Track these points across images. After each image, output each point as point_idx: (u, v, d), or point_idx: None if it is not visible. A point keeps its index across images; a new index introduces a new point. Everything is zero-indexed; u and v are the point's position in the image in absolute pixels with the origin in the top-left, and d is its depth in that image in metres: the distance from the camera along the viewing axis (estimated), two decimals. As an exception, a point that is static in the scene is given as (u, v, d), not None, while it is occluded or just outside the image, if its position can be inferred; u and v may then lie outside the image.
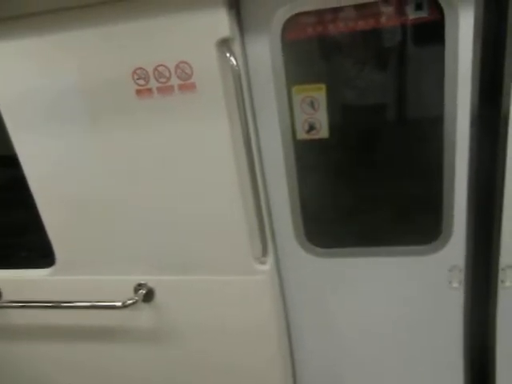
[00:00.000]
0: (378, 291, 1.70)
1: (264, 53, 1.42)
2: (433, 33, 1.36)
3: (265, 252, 1.58)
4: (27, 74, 1.44)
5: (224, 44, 1.32)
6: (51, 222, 1.68)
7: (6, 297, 1.85)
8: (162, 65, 1.35)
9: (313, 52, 1.48)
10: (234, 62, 1.32)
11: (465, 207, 1.49)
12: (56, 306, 1.74)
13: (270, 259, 1.62)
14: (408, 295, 1.68)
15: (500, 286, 1.56)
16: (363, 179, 1.62)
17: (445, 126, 1.40)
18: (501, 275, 1.54)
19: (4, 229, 2.01)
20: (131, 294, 1.70)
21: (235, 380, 1.83)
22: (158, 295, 1.71)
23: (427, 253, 1.58)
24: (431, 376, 1.81)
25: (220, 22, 1.28)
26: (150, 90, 1.39)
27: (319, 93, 1.46)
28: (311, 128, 1.51)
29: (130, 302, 1.64)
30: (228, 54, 1.32)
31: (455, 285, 1.61)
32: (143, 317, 1.76)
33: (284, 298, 1.77)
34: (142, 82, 1.38)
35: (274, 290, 1.66)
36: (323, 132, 1.51)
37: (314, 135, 1.52)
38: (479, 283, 1.61)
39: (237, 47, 1.35)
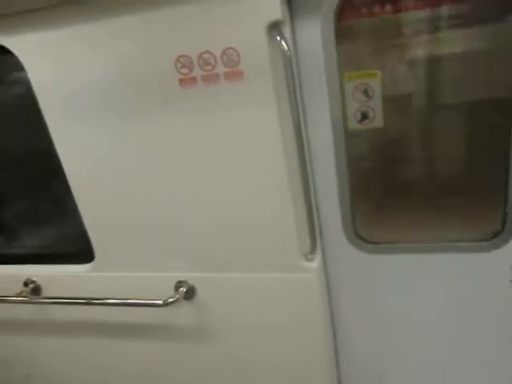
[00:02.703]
0: (433, 290, 1.60)
1: (315, 37, 1.32)
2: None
3: (313, 249, 1.50)
4: (68, 63, 1.38)
5: (274, 28, 1.22)
6: (90, 217, 1.63)
7: (46, 293, 1.83)
8: (207, 51, 1.26)
9: (368, 36, 1.37)
10: (285, 47, 1.23)
11: None
12: (96, 302, 1.70)
13: (318, 256, 1.54)
14: (465, 294, 1.58)
15: None
16: (418, 170, 1.52)
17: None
18: None
19: (43, 224, 1.99)
20: (171, 291, 1.64)
21: (278, 379, 1.77)
22: (200, 293, 1.65)
23: (488, 249, 1.48)
24: (489, 376, 1.71)
25: (271, 4, 1.19)
26: (193, 78, 1.31)
27: (374, 79, 1.36)
28: (364, 117, 1.42)
29: (172, 299, 1.58)
30: (279, 38, 1.23)
31: None
32: (184, 315, 1.71)
33: (331, 296, 1.69)
34: (185, 70, 1.30)
35: (321, 287, 1.58)
36: (377, 121, 1.41)
37: (367, 124, 1.42)
38: None
39: (287, 30, 1.25)
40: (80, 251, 1.73)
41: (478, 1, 1.25)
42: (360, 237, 1.57)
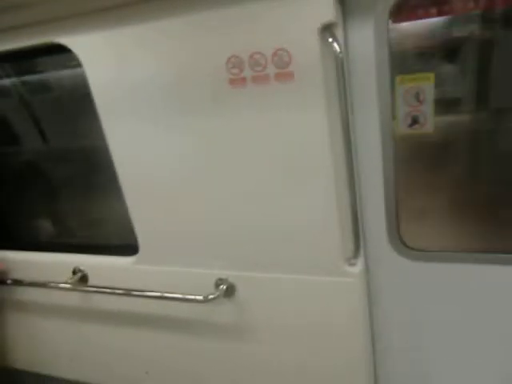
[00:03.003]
0: (479, 302, 1.54)
1: (367, 39, 1.30)
2: None
3: (356, 253, 1.48)
4: (121, 61, 1.43)
5: (327, 29, 1.22)
6: (137, 212, 1.68)
7: (92, 281, 1.90)
8: (258, 52, 1.27)
9: (423, 38, 1.34)
10: (338, 49, 1.22)
11: None
12: (138, 294, 1.75)
13: (361, 261, 1.52)
14: (507, 307, 1.51)
15: None
16: (468, 177, 1.47)
17: None
18: None
19: (93, 215, 2.07)
20: (211, 287, 1.67)
21: (313, 382, 1.76)
22: (240, 291, 1.67)
23: None
24: None
25: (324, 5, 1.18)
26: (243, 79, 1.32)
27: (427, 83, 1.33)
28: (414, 121, 1.38)
29: (212, 296, 1.61)
30: (331, 40, 1.22)
31: None
32: (223, 312, 1.73)
33: (372, 302, 1.67)
34: (235, 70, 1.32)
35: (363, 292, 1.56)
36: (428, 126, 1.38)
37: (417, 130, 1.39)
38: None
39: (340, 32, 1.24)
40: (126, 244, 1.79)
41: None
42: (404, 243, 1.54)
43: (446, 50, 1.33)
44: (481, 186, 1.47)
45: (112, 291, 1.80)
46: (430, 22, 1.30)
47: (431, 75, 1.32)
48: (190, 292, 1.65)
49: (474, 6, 1.23)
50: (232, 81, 1.33)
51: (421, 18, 1.28)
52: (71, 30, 1.44)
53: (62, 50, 1.47)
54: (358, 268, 1.50)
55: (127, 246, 1.78)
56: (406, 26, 1.32)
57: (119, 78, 1.46)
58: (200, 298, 1.61)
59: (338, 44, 1.22)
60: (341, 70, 1.23)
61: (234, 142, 1.42)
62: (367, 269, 1.62)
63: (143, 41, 1.38)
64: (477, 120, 1.41)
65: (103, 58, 1.45)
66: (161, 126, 1.48)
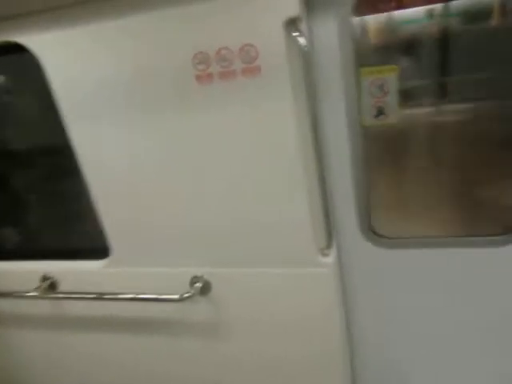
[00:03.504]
0: (450, 285, 1.60)
1: (332, 32, 1.33)
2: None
3: (329, 243, 1.50)
4: (82, 60, 1.39)
5: (292, 24, 1.23)
6: (107, 213, 1.65)
7: (62, 288, 1.85)
8: (225, 47, 1.27)
9: (386, 31, 1.37)
10: (303, 42, 1.23)
11: None
12: (112, 298, 1.72)
13: (334, 251, 1.55)
14: (482, 289, 1.58)
15: None
16: (433, 165, 1.52)
17: None
18: None
19: (59, 219, 2.01)
20: (186, 286, 1.66)
21: (293, 374, 1.78)
22: (215, 288, 1.66)
23: (501, 244, 1.48)
24: (505, 369, 1.71)
25: (289, 0, 1.19)
26: (210, 75, 1.31)
27: (391, 74, 1.36)
28: (380, 112, 1.42)
29: (187, 295, 1.59)
30: (296, 34, 1.23)
31: None
32: (200, 310, 1.72)
33: (346, 291, 1.70)
34: (202, 66, 1.31)
35: (337, 282, 1.59)
36: (393, 117, 1.41)
37: (383, 120, 1.42)
38: None
39: (304, 26, 1.26)
40: (96, 247, 1.75)
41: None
42: (375, 231, 1.58)
43: (408, 43, 1.37)
44: (445, 173, 1.52)
45: (82, 296, 1.75)
46: (392, 16, 1.34)
47: (395, 67, 1.35)
48: (165, 292, 1.63)
49: (431, 0, 1.27)
50: (198, 77, 1.32)
51: (382, 12, 1.31)
52: (28, 28, 1.39)
53: (19, 49, 1.42)
54: (331, 258, 1.53)
55: (98, 249, 1.74)
56: (369, 19, 1.35)
57: (81, 77, 1.42)
58: (175, 297, 1.59)
59: (303, 38, 1.23)
60: (307, 63, 1.25)
61: (203, 138, 1.41)
62: (341, 258, 1.65)
63: (104, 39, 1.35)
64: (439, 111, 1.47)
65: (63, 57, 1.41)
66: (127, 124, 1.45)
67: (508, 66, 1.33)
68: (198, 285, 1.64)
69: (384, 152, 1.53)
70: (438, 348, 1.74)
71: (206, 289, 1.66)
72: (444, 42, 1.35)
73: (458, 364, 1.75)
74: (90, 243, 1.82)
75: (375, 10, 1.32)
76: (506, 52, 1.32)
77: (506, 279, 1.54)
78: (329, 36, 1.34)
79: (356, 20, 1.31)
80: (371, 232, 1.58)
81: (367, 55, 1.38)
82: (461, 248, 1.54)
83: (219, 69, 1.30)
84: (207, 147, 1.42)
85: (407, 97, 1.41)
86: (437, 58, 1.37)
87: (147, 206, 1.58)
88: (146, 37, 1.31)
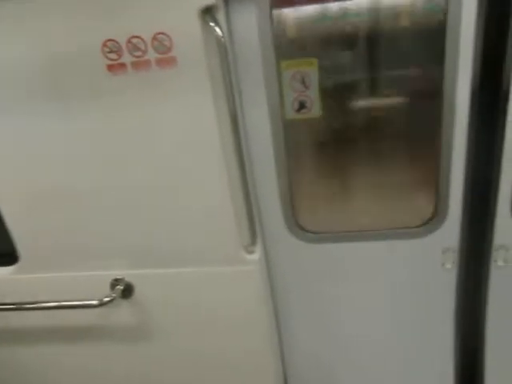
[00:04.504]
0: (371, 276, 1.64)
1: (251, 24, 1.28)
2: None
3: (253, 240, 1.47)
4: None
5: (208, 13, 1.17)
6: (12, 213, 1.50)
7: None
8: (136, 36, 1.19)
9: (304, 23, 1.35)
10: (220, 33, 1.18)
11: (461, 188, 1.44)
12: (24, 307, 1.58)
13: (259, 248, 1.52)
14: (401, 279, 1.63)
15: (493, 265, 1.53)
16: (355, 160, 1.53)
17: (444, 103, 1.32)
18: (494, 255, 1.52)
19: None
20: (107, 290, 1.56)
21: (224, 372, 1.75)
22: (138, 290, 1.58)
23: (422, 235, 1.53)
24: (422, 357, 1.79)
25: None
26: (123, 64, 1.23)
27: (311, 68, 1.35)
28: (301, 106, 1.40)
29: (108, 299, 1.50)
30: (212, 24, 1.17)
31: (448, 266, 1.57)
32: (122, 314, 1.63)
33: (274, 287, 1.69)
34: (113, 55, 1.22)
35: (264, 279, 1.57)
36: (315, 111, 1.40)
37: (305, 114, 1.41)
38: (472, 263, 1.58)
39: (221, 16, 1.20)
40: (2, 252, 1.60)
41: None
42: (301, 227, 1.57)
43: (328, 37, 1.36)
44: (367, 168, 1.54)
45: None
46: (311, 8, 1.32)
47: (314, 60, 1.34)
48: (84, 297, 1.53)
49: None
50: (110, 67, 1.23)
51: (301, 4, 1.29)
52: None
53: None
54: (256, 255, 1.50)
55: (3, 255, 1.59)
56: (288, 11, 1.32)
57: None
58: (94, 302, 1.50)
59: (220, 28, 1.18)
60: (224, 55, 1.20)
61: (117, 132, 1.32)
62: (267, 255, 1.63)
63: (9, 20, 1.21)
64: (362, 105, 1.48)
65: None
66: (32, 117, 1.32)
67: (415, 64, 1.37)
68: (120, 287, 1.55)
69: (308, 146, 1.52)
70: (365, 337, 1.79)
71: (128, 291, 1.57)
72: (360, 38, 1.35)
73: (385, 352, 1.81)
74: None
75: (294, 2, 1.29)
76: (413, 51, 1.35)
77: (426, 269, 1.60)
78: (248, 28, 1.29)
79: (276, 12, 1.28)
80: (297, 227, 1.57)
81: (288, 48, 1.35)
82: (383, 240, 1.57)
83: (132, 58, 1.22)
84: (122, 141, 1.33)
85: (330, 91, 1.41)
86: (354, 54, 1.38)
87: (58, 207, 1.46)
88: (54, 20, 1.20)
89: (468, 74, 1.28)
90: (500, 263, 1.53)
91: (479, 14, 1.22)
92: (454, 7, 1.21)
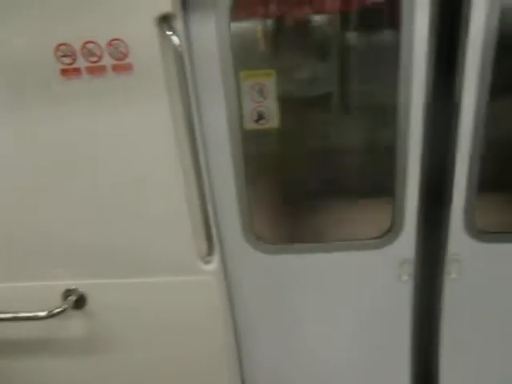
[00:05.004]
0: (329, 287, 1.64)
1: (209, 33, 1.29)
2: (386, 18, 1.31)
3: (210, 250, 1.46)
4: None
5: (165, 21, 1.17)
6: None
7: None
8: (91, 41, 1.17)
9: (262, 33, 1.37)
10: (177, 41, 1.17)
11: (416, 200, 1.47)
12: None
13: (216, 258, 1.51)
14: (359, 291, 1.64)
15: (446, 277, 1.57)
16: (314, 171, 1.55)
17: (398, 115, 1.35)
18: (447, 267, 1.55)
19: None
20: (59, 301, 1.51)
21: (180, 382, 1.71)
22: (91, 301, 1.53)
23: (378, 246, 1.55)
24: (379, 368, 1.80)
25: None
26: (77, 69, 1.21)
27: (269, 79, 1.36)
28: (260, 117, 1.41)
29: (58, 310, 1.45)
30: (170, 32, 1.17)
31: (405, 278, 1.59)
32: (74, 325, 1.58)
33: (232, 297, 1.67)
34: (67, 60, 1.19)
35: (221, 290, 1.55)
36: (273, 121, 1.41)
37: (264, 125, 1.42)
38: (427, 276, 1.61)
39: (179, 25, 1.20)
40: None
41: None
42: (259, 237, 1.57)
43: (285, 48, 1.38)
44: (326, 179, 1.56)
45: None
46: (269, 21, 1.34)
47: (272, 71, 1.35)
48: (34, 308, 1.47)
49: (308, 9, 1.29)
50: (64, 71, 1.21)
51: (260, 16, 1.30)
52: None
53: None
54: (213, 265, 1.49)
55: None
56: (247, 23, 1.33)
57: None
58: (43, 313, 1.44)
59: (178, 37, 1.18)
60: (181, 64, 1.20)
61: (71, 137, 1.29)
62: (225, 265, 1.61)
63: None
64: (319, 117, 1.50)
65: None
66: None
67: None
68: (72, 298, 1.50)
69: (266, 156, 1.53)
70: (323, 348, 1.78)
71: (80, 302, 1.53)
72: (318, 51, 1.38)
73: (343, 363, 1.81)
74: None
75: (254, 13, 1.30)
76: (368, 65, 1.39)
77: (383, 281, 1.62)
78: (208, 37, 1.30)
79: (234, 22, 1.29)
80: (255, 238, 1.56)
81: (247, 59, 1.36)
82: (342, 252, 1.58)
83: (87, 64, 1.20)
84: (75, 147, 1.30)
85: (287, 102, 1.42)
86: (312, 67, 1.40)
87: (3, 213, 1.40)
88: (5, 19, 1.16)
89: (422, 87, 1.32)
90: (453, 275, 1.56)
91: (431, 30, 1.26)
92: (407, 23, 1.25)
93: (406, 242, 1.54)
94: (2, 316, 1.47)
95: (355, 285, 1.63)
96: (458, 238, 1.50)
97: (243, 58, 1.33)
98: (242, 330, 1.76)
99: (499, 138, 1.45)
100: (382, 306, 1.67)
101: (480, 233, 1.50)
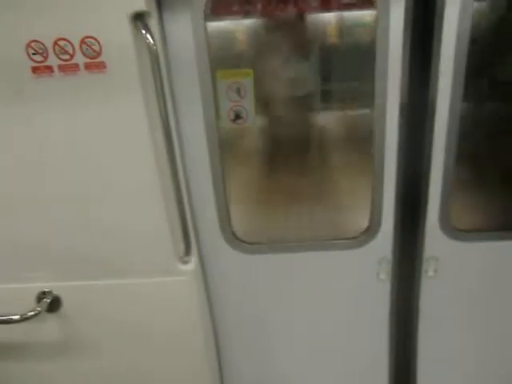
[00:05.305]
0: (308, 286, 1.65)
1: (185, 31, 1.27)
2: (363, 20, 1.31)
3: (188, 251, 1.44)
4: None
5: (139, 19, 1.15)
6: None
7: None
8: (63, 39, 1.14)
9: (240, 33, 1.36)
10: (151, 40, 1.16)
11: (393, 199, 1.48)
12: None
13: (194, 258, 1.49)
14: (337, 289, 1.65)
15: (423, 275, 1.58)
16: (292, 171, 1.55)
17: (374, 116, 1.36)
18: (424, 265, 1.57)
19: None
20: (33, 304, 1.47)
21: None
22: (66, 304, 1.50)
23: (356, 246, 1.56)
24: (359, 365, 1.82)
25: None
26: (49, 67, 1.18)
27: (246, 78, 1.35)
28: (237, 117, 1.40)
29: (32, 313, 1.42)
30: (144, 31, 1.15)
31: (383, 276, 1.60)
32: (49, 329, 1.54)
33: (211, 297, 1.66)
34: (38, 57, 1.16)
35: (199, 289, 1.54)
36: (250, 121, 1.41)
37: (241, 124, 1.41)
38: (404, 274, 1.62)
39: (154, 23, 1.18)
40: None
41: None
42: (237, 237, 1.56)
43: (261, 48, 1.37)
44: (303, 179, 1.56)
45: None
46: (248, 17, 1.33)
47: (250, 71, 1.34)
48: (8, 312, 1.43)
49: (279, 10, 1.28)
50: (35, 69, 1.18)
51: (235, 16, 1.29)
52: None
53: None
54: (191, 266, 1.47)
55: None
56: (224, 22, 1.32)
57: None
58: (16, 317, 1.41)
59: (152, 35, 1.16)
60: (155, 62, 1.18)
61: (43, 137, 1.26)
62: (204, 265, 1.60)
63: None
64: (296, 117, 1.50)
65: None
66: None
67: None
68: (46, 301, 1.47)
69: (244, 156, 1.52)
70: (302, 348, 1.79)
71: (55, 305, 1.49)
72: (295, 51, 1.38)
73: (323, 363, 1.82)
74: None
75: (230, 11, 1.29)
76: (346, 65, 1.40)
77: (362, 280, 1.63)
78: (183, 36, 1.28)
79: (210, 21, 1.27)
80: (234, 237, 1.56)
81: (224, 58, 1.35)
82: (320, 251, 1.59)
83: (59, 62, 1.17)
84: (46, 147, 1.27)
85: (265, 102, 1.42)
86: (290, 66, 1.40)
87: None
88: None
89: (397, 88, 1.33)
90: (430, 273, 1.58)
91: (406, 29, 1.26)
92: (382, 23, 1.25)
93: (384, 241, 1.55)
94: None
95: (334, 284, 1.64)
96: (434, 237, 1.52)
97: (220, 56, 1.32)
98: (221, 329, 1.75)
99: (474, 138, 1.47)
100: (360, 304, 1.68)
101: (456, 231, 1.52)
